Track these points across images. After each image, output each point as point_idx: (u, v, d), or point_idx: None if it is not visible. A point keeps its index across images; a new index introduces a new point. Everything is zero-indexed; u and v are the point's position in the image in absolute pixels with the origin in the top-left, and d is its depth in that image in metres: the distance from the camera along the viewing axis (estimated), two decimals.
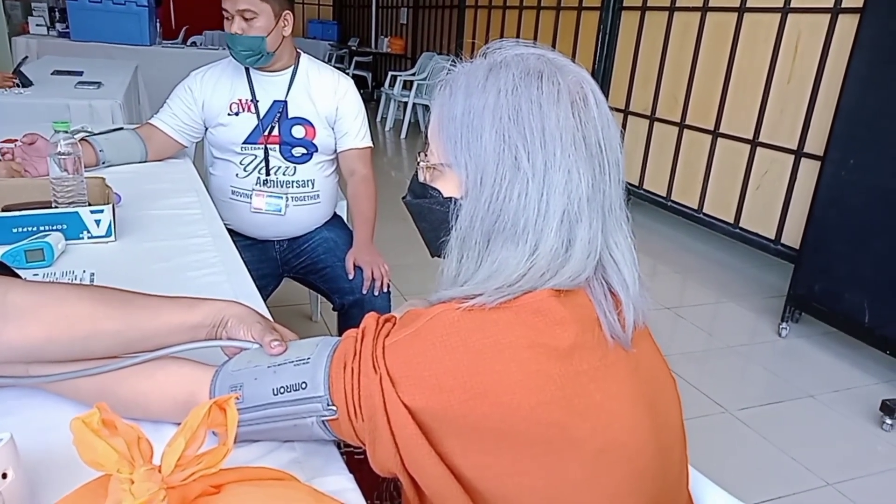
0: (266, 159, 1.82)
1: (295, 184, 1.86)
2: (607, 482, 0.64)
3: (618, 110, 4.57)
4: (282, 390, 0.66)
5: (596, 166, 0.65)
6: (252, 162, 1.83)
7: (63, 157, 1.29)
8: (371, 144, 1.94)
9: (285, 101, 1.81)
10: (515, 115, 0.63)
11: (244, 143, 1.81)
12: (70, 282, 1.13)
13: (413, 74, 7.12)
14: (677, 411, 0.74)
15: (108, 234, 1.31)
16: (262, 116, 1.80)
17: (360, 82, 9.17)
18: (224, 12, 1.73)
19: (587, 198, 0.64)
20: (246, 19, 1.70)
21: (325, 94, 1.84)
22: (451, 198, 0.69)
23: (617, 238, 0.67)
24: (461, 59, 0.70)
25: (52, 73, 3.33)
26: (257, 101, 1.80)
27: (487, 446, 0.61)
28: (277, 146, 1.82)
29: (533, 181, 0.63)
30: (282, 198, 1.84)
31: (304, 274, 1.96)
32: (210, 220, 1.52)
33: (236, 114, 1.81)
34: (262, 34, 1.71)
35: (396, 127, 7.11)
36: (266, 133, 1.80)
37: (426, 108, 7.08)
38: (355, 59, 9.07)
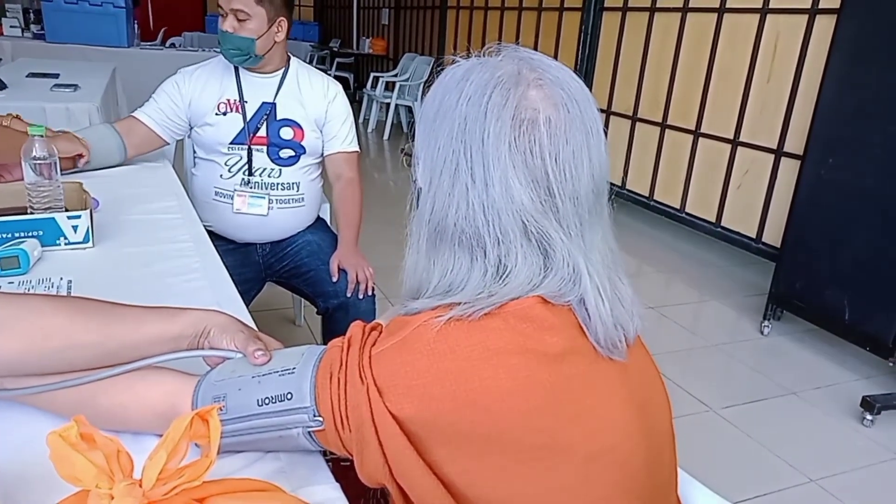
0: (249, 160, 1.81)
1: (280, 186, 1.85)
2: (598, 487, 0.63)
3: (600, 111, 4.58)
4: (266, 401, 0.65)
5: (542, 190, 0.61)
6: (237, 163, 1.82)
7: (39, 161, 1.26)
8: (358, 149, 1.94)
9: (274, 103, 1.81)
10: (464, 124, 0.62)
11: (231, 143, 1.80)
12: (46, 291, 1.10)
13: (395, 76, 7.11)
14: (667, 414, 0.74)
15: (85, 241, 1.29)
16: (248, 118, 1.79)
17: (341, 84, 9.16)
18: (219, 8, 1.73)
19: (534, 218, 0.61)
20: (239, 19, 1.69)
21: (316, 97, 1.85)
22: (419, 188, 0.69)
23: (589, 262, 0.64)
24: (472, 54, 0.68)
25: (27, 76, 3.27)
26: (245, 102, 1.80)
27: (477, 453, 0.60)
28: (265, 147, 1.81)
29: (473, 189, 0.62)
30: (264, 198, 1.83)
31: (287, 278, 1.94)
32: (191, 224, 1.50)
33: (224, 114, 1.79)
34: (252, 36, 1.71)
35: (379, 128, 7.09)
36: (252, 134, 1.79)
37: (409, 109, 7.07)
38: (337, 60, 9.03)
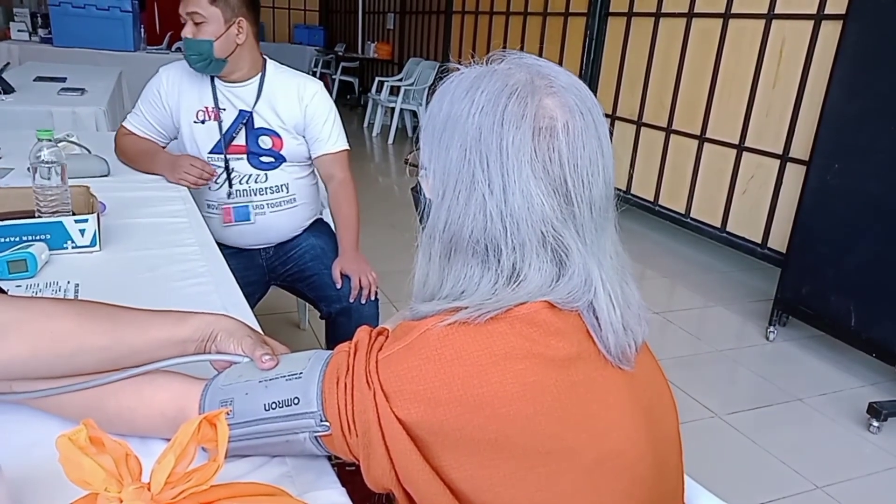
0: (227, 171, 1.79)
1: (269, 190, 1.83)
2: (605, 492, 0.63)
3: (605, 116, 4.58)
4: (273, 406, 0.65)
5: (561, 198, 0.61)
6: (221, 175, 1.80)
7: (46, 165, 1.27)
8: (347, 147, 1.88)
9: (251, 112, 1.77)
10: (478, 134, 0.61)
11: (210, 152, 1.79)
12: (54, 295, 1.11)
13: (400, 80, 7.12)
14: (674, 420, 0.73)
15: (92, 244, 1.29)
16: (224, 128, 1.77)
17: (346, 88, 9.18)
18: (180, 17, 1.70)
19: (553, 227, 0.61)
20: (195, 23, 1.66)
21: (290, 103, 1.79)
22: (429, 199, 0.69)
23: (602, 269, 0.64)
24: (473, 62, 0.68)
25: (34, 80, 3.29)
26: (222, 110, 1.77)
27: (484, 458, 0.60)
28: (244, 156, 1.79)
29: (491, 200, 0.61)
30: (247, 206, 1.82)
31: (291, 282, 1.94)
32: (197, 228, 1.51)
33: (202, 122, 1.78)
34: (209, 38, 1.67)
35: (384, 132, 7.10)
36: (228, 143, 1.78)
37: (413, 113, 7.08)
38: (342, 64, 9.05)
